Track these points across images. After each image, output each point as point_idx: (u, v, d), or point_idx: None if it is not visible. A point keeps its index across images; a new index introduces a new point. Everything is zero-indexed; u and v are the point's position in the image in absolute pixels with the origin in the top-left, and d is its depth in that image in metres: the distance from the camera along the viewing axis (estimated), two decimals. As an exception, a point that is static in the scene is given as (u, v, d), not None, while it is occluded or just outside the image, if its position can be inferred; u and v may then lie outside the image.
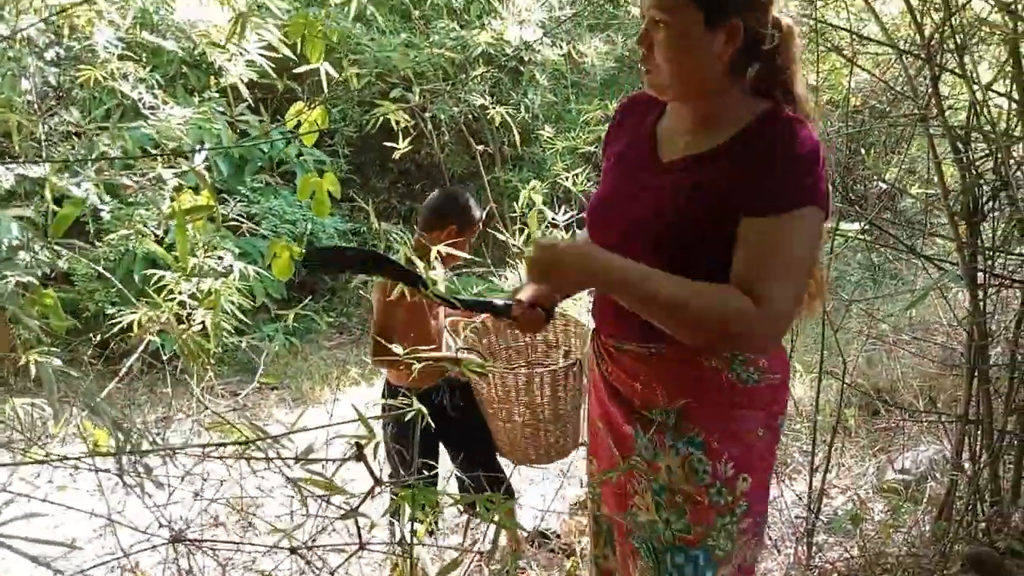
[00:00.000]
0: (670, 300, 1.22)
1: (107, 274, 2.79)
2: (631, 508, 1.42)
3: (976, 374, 2.18)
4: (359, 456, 0.88)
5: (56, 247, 3.69)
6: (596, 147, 3.02)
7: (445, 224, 2.27)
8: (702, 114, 1.34)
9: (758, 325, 1.21)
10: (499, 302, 1.64)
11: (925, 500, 2.60)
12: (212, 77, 4.81)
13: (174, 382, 3.93)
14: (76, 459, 0.98)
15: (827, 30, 2.46)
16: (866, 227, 2.60)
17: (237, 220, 3.63)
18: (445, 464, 2.50)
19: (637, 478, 1.40)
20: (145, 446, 1.08)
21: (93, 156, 3.53)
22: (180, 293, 2.17)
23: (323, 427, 1.07)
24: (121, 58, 3.05)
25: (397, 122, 2.11)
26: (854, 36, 2.27)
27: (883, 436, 3.33)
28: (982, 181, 2.07)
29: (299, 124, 2.18)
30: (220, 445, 0.99)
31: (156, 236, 4.23)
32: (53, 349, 1.75)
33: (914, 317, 4.09)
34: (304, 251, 1.51)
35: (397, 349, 1.99)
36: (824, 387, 3.39)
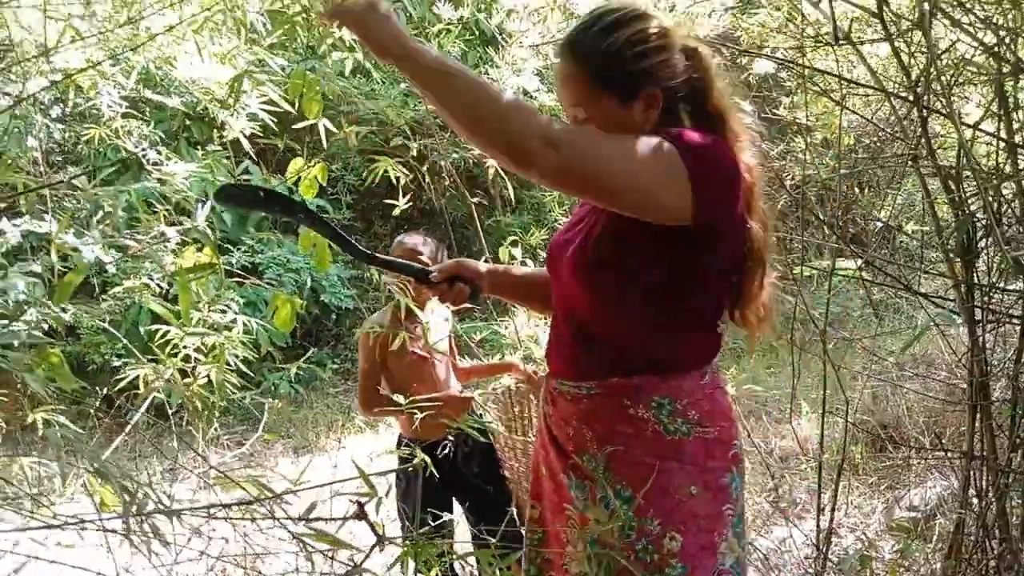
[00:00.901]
0: (462, 75, 1.18)
1: (112, 330, 2.82)
2: (565, 560, 1.39)
3: (979, 410, 2.18)
4: (360, 515, 0.89)
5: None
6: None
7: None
8: None
9: (538, 144, 1.14)
10: (417, 265, 1.63)
11: (935, 538, 2.59)
12: (215, 130, 4.89)
13: (179, 433, 3.93)
14: (83, 521, 0.99)
15: (816, 74, 2.51)
16: (864, 265, 2.62)
17: (240, 271, 3.66)
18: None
19: (573, 528, 1.38)
20: (151, 506, 1.09)
21: (98, 216, 3.58)
22: (184, 348, 2.20)
23: (326, 484, 1.08)
24: (125, 116, 3.11)
25: (396, 177, 2.15)
26: (842, 80, 2.31)
27: (890, 473, 3.32)
28: (974, 219, 2.10)
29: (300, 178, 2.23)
30: (226, 506, 1.00)
31: (161, 290, 4.27)
32: (59, 407, 1.77)
33: (917, 352, 4.09)
34: (216, 192, 1.50)
35: (397, 399, 2.01)
36: (829, 424, 3.39)
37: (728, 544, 1.35)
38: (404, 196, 2.23)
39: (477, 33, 5.77)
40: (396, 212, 2.27)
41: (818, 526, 2.45)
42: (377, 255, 1.56)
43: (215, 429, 3.97)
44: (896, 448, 3.36)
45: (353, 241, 1.56)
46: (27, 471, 1.90)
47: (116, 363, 4.60)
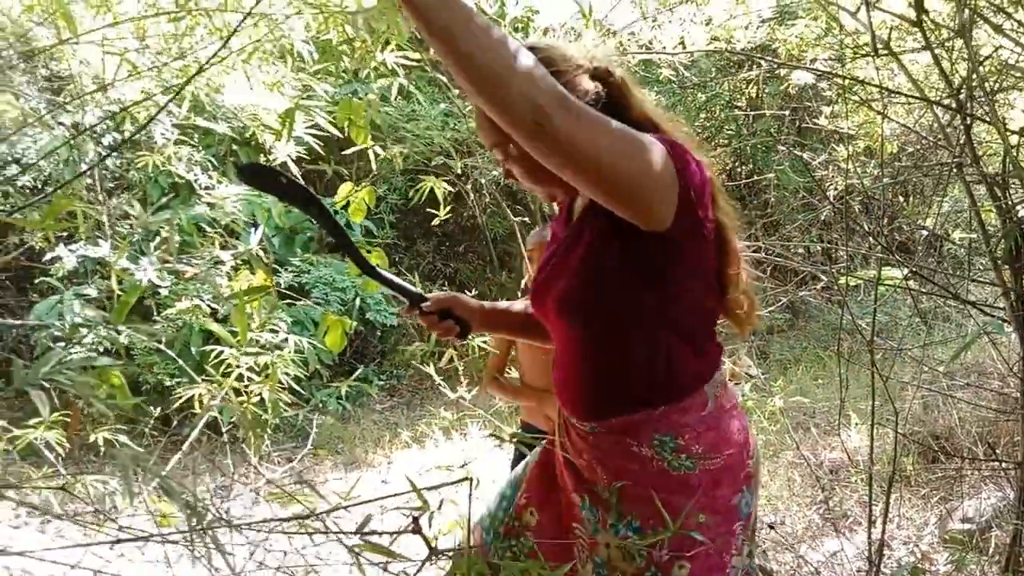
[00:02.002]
0: (483, 22, 1.04)
1: (167, 351, 2.90)
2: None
3: (1032, 419, 2.15)
4: (415, 529, 0.92)
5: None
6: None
7: None
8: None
9: (555, 105, 1.05)
10: (414, 289, 1.61)
11: (990, 550, 2.54)
12: (262, 154, 5.01)
13: (232, 449, 4.01)
14: (148, 536, 1.04)
15: (857, 84, 2.51)
16: (910, 274, 2.60)
17: (288, 291, 3.74)
18: None
19: (581, 548, 1.39)
20: (211, 518, 1.14)
21: (155, 241, 3.69)
22: (238, 367, 2.27)
23: (381, 498, 1.12)
24: (177, 143, 3.22)
25: (440, 195, 2.20)
26: (883, 90, 2.30)
27: (943, 485, 3.26)
28: (1022, 226, 2.07)
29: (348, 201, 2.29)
30: (283, 520, 1.04)
31: (212, 310, 4.37)
32: (119, 427, 1.84)
33: (967, 361, 4.02)
34: (239, 169, 1.49)
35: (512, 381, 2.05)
36: (879, 436, 3.35)
37: (739, 558, 1.35)
38: (446, 211, 2.28)
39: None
40: (436, 221, 2.32)
41: (870, 538, 2.42)
42: (377, 269, 1.55)
43: (266, 446, 4.05)
44: (948, 459, 3.30)
45: (359, 251, 1.55)
46: (90, 488, 1.97)
47: (169, 383, 4.72)
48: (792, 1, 3.88)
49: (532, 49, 1.28)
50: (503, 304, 1.80)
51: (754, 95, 6.15)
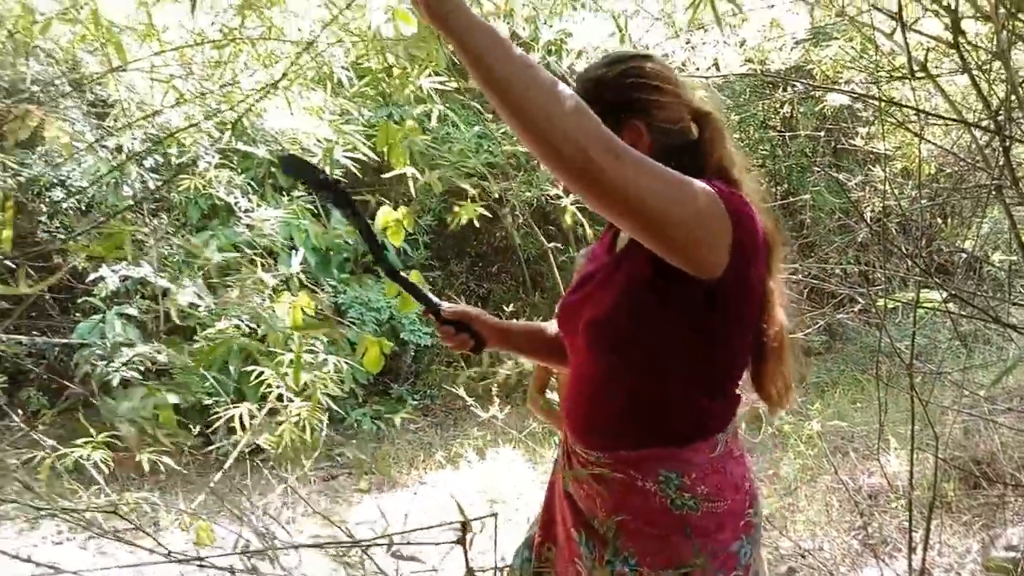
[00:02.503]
0: (531, 65, 1.05)
1: (206, 373, 2.95)
2: None
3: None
4: (461, 541, 0.93)
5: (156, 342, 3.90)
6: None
7: None
8: None
9: (601, 150, 1.04)
10: (433, 297, 1.62)
11: (1035, 579, 2.49)
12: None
13: (268, 468, 4.05)
14: (199, 558, 1.06)
15: (894, 105, 2.50)
16: (949, 296, 2.57)
17: (325, 311, 3.78)
18: None
19: None
20: (256, 541, 1.16)
21: (198, 262, 3.76)
22: (278, 387, 2.30)
23: (435, 527, 1.13)
24: (217, 166, 3.29)
25: (475, 219, 2.23)
26: (920, 113, 2.29)
27: (985, 511, 3.20)
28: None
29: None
30: (327, 545, 1.06)
31: (251, 330, 4.44)
32: (163, 448, 1.88)
33: (1010, 385, 3.95)
34: (281, 158, 1.51)
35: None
36: (919, 460, 3.30)
37: None
38: (480, 233, 2.31)
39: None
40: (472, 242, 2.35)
41: (910, 566, 2.38)
42: (401, 274, 1.56)
43: (303, 465, 4.09)
44: (991, 485, 3.24)
45: (386, 255, 1.57)
46: (133, 507, 2.01)
47: (207, 401, 4.77)
48: (827, 23, 3.88)
49: (648, 59, 1.32)
50: (524, 324, 1.78)
51: (788, 115, 6.13)
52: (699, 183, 1.15)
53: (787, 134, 5.67)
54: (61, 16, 1.58)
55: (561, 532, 1.44)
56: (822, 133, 5.41)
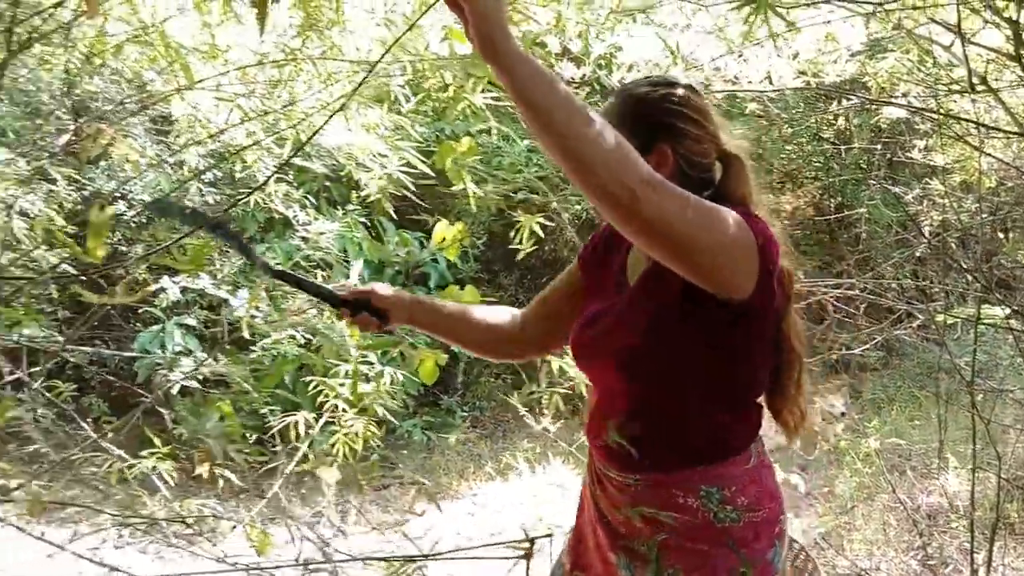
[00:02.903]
0: (573, 98, 1.08)
1: (246, 386, 3.01)
2: None
3: None
4: (528, 555, 0.95)
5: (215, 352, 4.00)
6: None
7: None
8: None
9: (640, 185, 1.08)
10: (330, 289, 1.57)
11: (1104, 604, 2.41)
12: (353, 191, 5.19)
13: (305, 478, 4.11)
14: (274, 567, 1.09)
15: (952, 119, 2.46)
16: (1012, 312, 2.52)
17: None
18: None
19: None
20: (315, 551, 1.19)
21: (256, 275, 3.84)
22: (336, 397, 2.35)
23: (498, 544, 1.15)
24: (277, 181, 3.37)
25: (531, 230, 2.26)
26: (980, 126, 2.26)
27: (1051, 533, 3.11)
28: None
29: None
30: (391, 559, 1.08)
31: (306, 340, 4.51)
32: (229, 462, 1.94)
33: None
34: (148, 205, 1.56)
35: None
36: (980, 480, 3.22)
37: None
38: (530, 245, 2.33)
39: (598, 88, 5.90)
40: (521, 255, 2.37)
41: (971, 588, 2.33)
42: (287, 272, 1.55)
43: (348, 474, 4.15)
44: (1057, 506, 3.15)
45: (262, 259, 1.56)
46: (195, 514, 2.07)
47: (263, 410, 4.86)
48: (883, 35, 3.83)
49: (693, 91, 1.34)
50: (445, 304, 1.74)
51: (842, 128, 6.04)
52: (727, 210, 1.19)
53: (842, 148, 5.60)
54: (134, 39, 1.64)
55: (596, 557, 1.44)
56: (878, 146, 5.33)
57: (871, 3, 2.51)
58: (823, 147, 6.53)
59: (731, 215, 1.19)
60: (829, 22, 2.67)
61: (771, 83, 3.91)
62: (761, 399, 1.38)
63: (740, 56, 3.95)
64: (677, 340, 1.27)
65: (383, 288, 1.58)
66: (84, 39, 2.00)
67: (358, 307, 1.52)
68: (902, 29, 2.61)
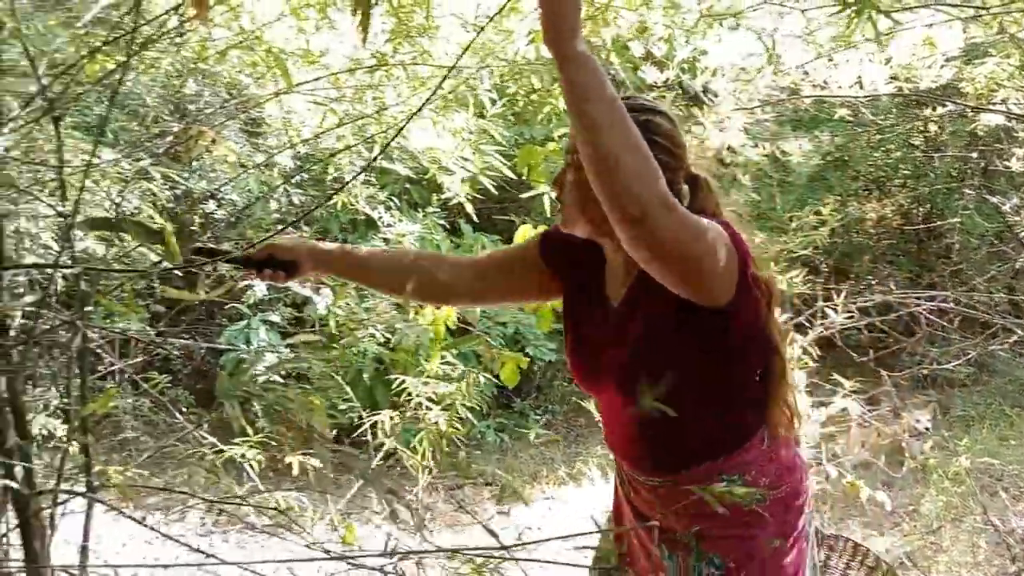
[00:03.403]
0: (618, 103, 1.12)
1: (339, 380, 3.08)
2: None
3: None
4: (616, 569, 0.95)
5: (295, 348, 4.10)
6: (810, 250, 3.01)
7: None
8: (624, 249, 1.36)
9: (657, 204, 1.13)
10: (234, 251, 1.57)
11: None
12: (433, 193, 5.26)
13: (395, 473, 4.18)
14: (364, 555, 1.12)
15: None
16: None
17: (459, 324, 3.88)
18: None
19: None
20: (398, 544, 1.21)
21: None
22: (417, 395, 2.39)
23: (574, 534, 1.16)
24: (363, 183, 3.45)
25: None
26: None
27: None
28: None
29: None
30: (477, 552, 1.10)
31: (385, 339, 4.60)
32: (314, 452, 1.99)
33: None
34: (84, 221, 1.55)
35: None
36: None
37: (812, 572, 1.49)
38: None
39: (680, 92, 5.85)
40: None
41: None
42: (201, 246, 1.54)
43: (428, 472, 4.20)
44: None
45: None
46: (282, 504, 2.12)
47: (342, 406, 4.96)
48: (983, 40, 3.70)
49: (667, 118, 1.39)
50: (368, 250, 1.77)
51: (934, 135, 5.85)
52: (715, 227, 1.27)
53: (935, 156, 5.42)
54: (238, 44, 1.71)
55: (641, 553, 1.51)
56: (973, 154, 5.15)
57: (972, 6, 2.43)
58: (913, 154, 6.34)
59: (719, 232, 1.26)
60: (931, 25, 2.60)
61: (862, 88, 3.82)
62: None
63: (830, 60, 3.87)
64: (673, 349, 1.34)
65: (286, 240, 1.60)
66: (186, 44, 2.08)
67: (262, 264, 1.53)
68: (1005, 34, 2.52)
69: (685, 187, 1.39)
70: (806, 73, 3.87)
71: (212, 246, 1.58)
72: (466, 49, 2.15)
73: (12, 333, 1.59)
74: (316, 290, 4.77)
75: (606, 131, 1.11)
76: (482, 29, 2.12)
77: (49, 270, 1.62)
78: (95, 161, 2.12)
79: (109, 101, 1.50)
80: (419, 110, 2.28)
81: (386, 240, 4.76)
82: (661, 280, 1.25)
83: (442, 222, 5.26)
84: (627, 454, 1.49)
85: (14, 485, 1.50)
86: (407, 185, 5.91)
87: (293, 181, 5.48)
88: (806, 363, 3.16)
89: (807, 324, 3.05)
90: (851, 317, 3.14)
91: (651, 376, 1.33)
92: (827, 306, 3.15)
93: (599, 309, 1.47)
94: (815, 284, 3.24)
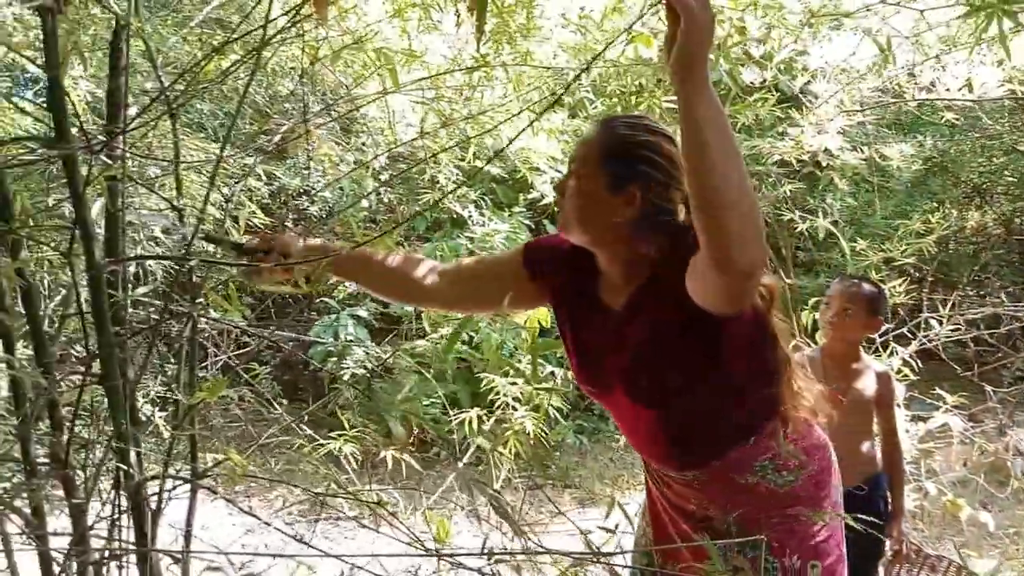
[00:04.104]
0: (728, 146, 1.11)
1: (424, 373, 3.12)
2: None
3: None
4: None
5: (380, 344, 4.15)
6: (914, 259, 2.90)
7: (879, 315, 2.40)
8: (621, 259, 1.43)
9: (748, 260, 1.14)
10: (232, 240, 1.58)
11: None
12: (519, 193, 5.27)
13: (475, 471, 4.20)
14: (463, 554, 1.13)
15: None
16: None
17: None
18: None
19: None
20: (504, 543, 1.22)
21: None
22: (506, 395, 2.40)
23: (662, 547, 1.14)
24: (457, 183, 3.48)
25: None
26: None
27: None
28: None
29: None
30: (580, 556, 1.09)
31: (469, 338, 4.63)
32: (408, 447, 2.03)
33: None
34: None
35: None
36: None
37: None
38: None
39: (776, 94, 5.72)
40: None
41: None
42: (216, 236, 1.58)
43: (509, 472, 4.22)
44: None
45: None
46: (380, 499, 2.15)
47: (425, 403, 5.02)
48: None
49: (670, 141, 1.40)
50: (359, 252, 1.68)
51: (1045, 140, 5.57)
52: None
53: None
54: (351, 46, 1.74)
55: (683, 551, 1.54)
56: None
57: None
58: (1019, 161, 6.04)
59: None
60: (1055, 26, 2.46)
61: (971, 91, 3.66)
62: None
63: (937, 61, 3.72)
64: (677, 352, 1.37)
65: (288, 236, 1.61)
66: (294, 44, 2.12)
67: (255, 255, 1.54)
68: None
69: (681, 205, 1.39)
70: (911, 75, 3.74)
71: (218, 236, 1.65)
72: (582, 73, 2.14)
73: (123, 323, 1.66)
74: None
75: (721, 173, 1.10)
76: (609, 45, 2.10)
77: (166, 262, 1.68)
78: (204, 157, 2.20)
79: (238, 106, 1.54)
80: (532, 122, 2.29)
81: (471, 239, 4.79)
82: (712, 302, 1.27)
83: (527, 222, 5.26)
84: (652, 454, 1.53)
85: (126, 469, 1.55)
86: (493, 184, 5.95)
87: (382, 179, 5.58)
88: (906, 376, 3.05)
89: (909, 335, 2.94)
90: (957, 329, 3.02)
91: (655, 378, 1.41)
92: (931, 317, 3.04)
93: (598, 315, 1.50)
94: (918, 293, 3.12)
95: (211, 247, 1.63)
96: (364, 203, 5.54)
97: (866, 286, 2.43)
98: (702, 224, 1.14)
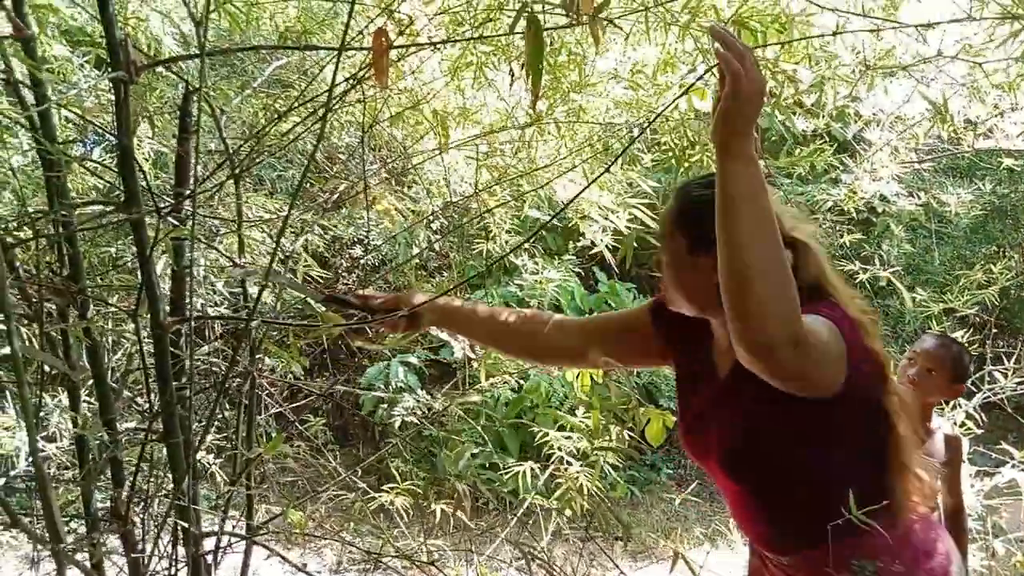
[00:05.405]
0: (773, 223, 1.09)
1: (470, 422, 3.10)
2: None
3: None
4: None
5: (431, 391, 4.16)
6: (976, 310, 2.83)
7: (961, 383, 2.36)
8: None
9: (784, 342, 1.09)
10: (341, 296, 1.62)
11: None
12: (569, 241, 5.29)
13: (520, 523, 4.15)
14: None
15: None
16: None
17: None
18: None
19: None
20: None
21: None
22: (560, 450, 2.37)
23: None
24: (508, 231, 3.51)
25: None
26: None
27: None
28: None
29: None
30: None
31: (519, 385, 4.62)
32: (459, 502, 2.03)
33: None
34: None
35: None
36: None
37: None
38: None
39: (828, 139, 5.69)
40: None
41: None
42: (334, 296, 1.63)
43: (560, 523, 4.16)
44: None
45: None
46: (431, 553, 2.15)
47: (474, 451, 5.00)
48: None
49: None
50: (475, 307, 1.74)
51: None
52: (828, 325, 1.22)
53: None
54: (410, 107, 1.78)
55: None
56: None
57: None
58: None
59: (831, 331, 1.21)
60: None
61: (1031, 136, 3.60)
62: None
63: (995, 108, 3.67)
64: (774, 437, 1.31)
65: (410, 293, 1.66)
66: (354, 104, 2.18)
67: (385, 314, 1.59)
68: None
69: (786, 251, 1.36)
70: (969, 121, 3.68)
71: (342, 296, 1.69)
72: (641, 132, 2.16)
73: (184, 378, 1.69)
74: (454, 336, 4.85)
75: (747, 249, 1.08)
76: (672, 102, 2.11)
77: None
78: (264, 212, 2.25)
79: (303, 170, 1.58)
80: (593, 182, 2.31)
81: (521, 287, 4.80)
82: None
83: (577, 269, 5.27)
84: (747, 529, 1.47)
85: (186, 526, 1.57)
86: (543, 232, 5.98)
87: (434, 228, 5.64)
88: (971, 430, 2.96)
89: (973, 388, 2.85)
90: (1023, 381, 2.93)
91: (747, 455, 1.35)
92: (995, 370, 2.95)
93: (707, 380, 1.46)
94: (980, 344, 3.04)
95: (323, 306, 1.67)
96: (414, 251, 5.61)
97: (955, 349, 2.36)
98: (724, 296, 1.12)
